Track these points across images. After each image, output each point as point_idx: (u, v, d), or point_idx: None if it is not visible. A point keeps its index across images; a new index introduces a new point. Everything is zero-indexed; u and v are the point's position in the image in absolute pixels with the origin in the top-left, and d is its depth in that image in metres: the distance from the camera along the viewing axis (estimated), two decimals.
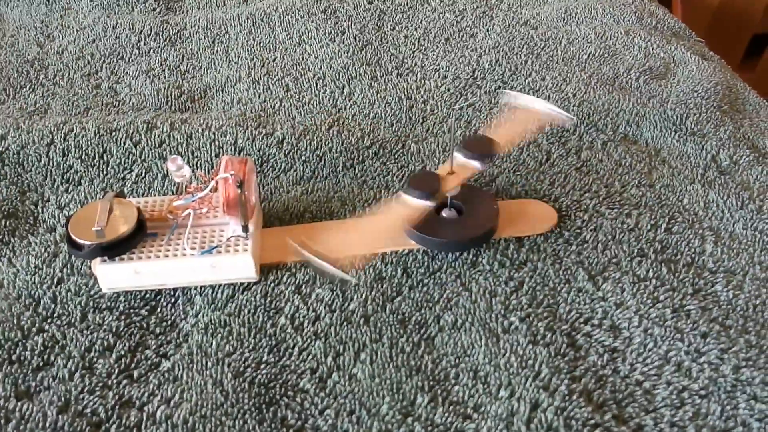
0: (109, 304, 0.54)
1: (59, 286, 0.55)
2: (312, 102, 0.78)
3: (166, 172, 0.67)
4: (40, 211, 0.63)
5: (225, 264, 0.54)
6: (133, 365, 0.50)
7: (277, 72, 0.84)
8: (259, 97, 0.79)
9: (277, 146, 0.69)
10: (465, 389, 0.48)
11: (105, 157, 0.68)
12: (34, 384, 0.49)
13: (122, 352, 0.51)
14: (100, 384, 0.49)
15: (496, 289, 0.55)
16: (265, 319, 0.53)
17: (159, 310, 0.54)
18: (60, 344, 0.51)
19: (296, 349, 0.51)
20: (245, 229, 0.54)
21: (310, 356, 0.50)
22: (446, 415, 0.47)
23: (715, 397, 0.47)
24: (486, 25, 0.93)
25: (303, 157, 0.68)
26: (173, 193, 0.64)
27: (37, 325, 0.52)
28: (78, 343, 0.51)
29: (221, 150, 0.68)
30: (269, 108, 0.77)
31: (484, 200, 0.60)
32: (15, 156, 0.67)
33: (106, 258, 0.53)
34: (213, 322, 0.53)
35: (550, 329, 0.52)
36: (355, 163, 0.68)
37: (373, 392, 0.48)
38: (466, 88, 0.80)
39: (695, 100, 0.76)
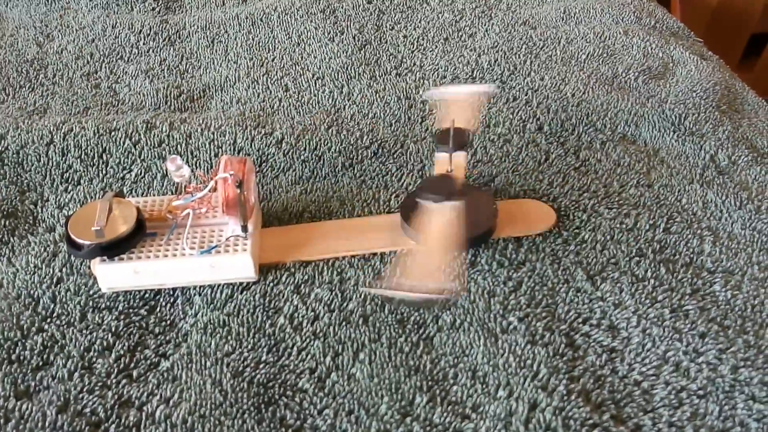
0: (108, 303, 0.54)
1: (58, 286, 0.55)
2: (311, 102, 0.78)
3: (165, 172, 0.67)
4: (39, 210, 0.63)
5: (224, 264, 0.54)
6: (132, 365, 0.50)
7: (276, 72, 0.84)
8: (258, 96, 0.79)
9: (276, 146, 0.69)
10: (463, 389, 0.48)
11: (104, 157, 0.68)
12: (33, 383, 0.49)
13: (121, 352, 0.51)
14: (100, 384, 0.49)
15: (494, 289, 0.55)
16: (264, 318, 0.53)
17: (158, 309, 0.54)
18: (59, 344, 0.51)
19: (295, 348, 0.51)
20: (244, 229, 0.54)
21: (309, 356, 0.51)
22: (445, 415, 0.47)
23: (713, 397, 0.47)
24: (485, 25, 0.93)
25: (302, 157, 0.68)
26: (172, 193, 0.64)
27: (36, 324, 0.52)
28: (77, 343, 0.51)
29: (220, 150, 0.68)
30: (268, 108, 0.77)
31: (482, 200, 0.60)
32: (14, 156, 0.67)
33: (105, 258, 0.53)
34: (212, 321, 0.53)
35: (549, 329, 0.52)
36: (354, 163, 0.68)
37: (371, 392, 0.48)
38: None
39: (694, 100, 0.76)
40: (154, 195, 0.64)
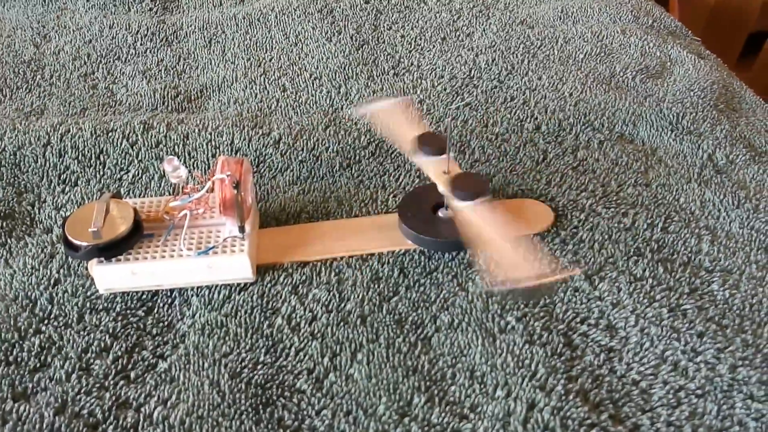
0: (105, 305, 0.54)
1: (56, 287, 0.55)
2: (309, 102, 0.78)
3: (162, 173, 0.67)
4: (36, 212, 0.63)
5: (221, 265, 0.54)
6: (129, 366, 0.50)
7: (274, 72, 0.84)
8: (255, 97, 0.79)
9: (273, 146, 0.69)
10: (462, 389, 0.48)
11: (101, 158, 0.68)
12: (30, 385, 0.49)
13: (119, 353, 0.51)
14: (97, 385, 0.49)
15: (492, 289, 0.55)
16: (262, 319, 0.53)
17: (156, 310, 0.54)
18: (57, 345, 0.51)
19: (293, 349, 0.51)
20: (242, 229, 0.54)
21: (307, 357, 0.51)
22: (443, 415, 0.47)
23: (711, 396, 0.47)
24: (482, 25, 0.93)
25: (300, 157, 0.68)
26: (170, 194, 0.63)
27: (33, 326, 0.52)
28: (75, 344, 0.51)
29: (218, 150, 0.68)
30: (266, 108, 0.77)
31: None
32: (11, 157, 0.67)
33: (102, 259, 0.53)
34: (210, 322, 0.53)
35: (547, 329, 0.52)
36: (352, 163, 0.68)
37: (369, 392, 0.48)
38: (463, 88, 0.80)
39: (692, 99, 0.76)
40: (151, 196, 0.64)
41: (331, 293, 0.55)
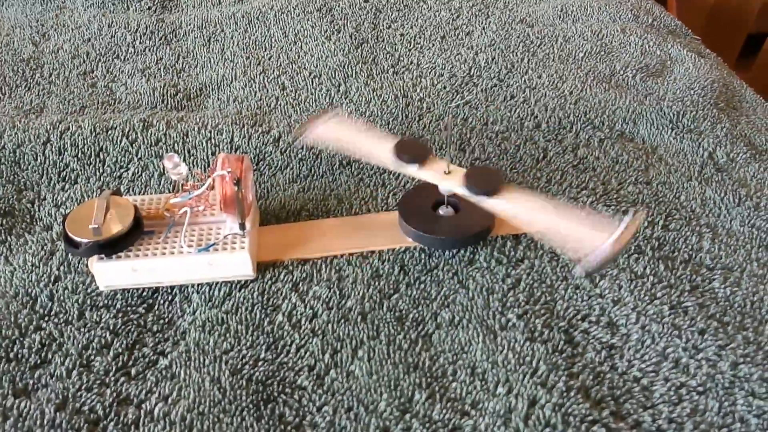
0: (106, 301, 0.54)
1: (56, 284, 0.55)
2: (308, 100, 0.78)
3: (162, 171, 0.66)
4: (36, 209, 0.63)
5: (222, 262, 0.54)
6: (130, 363, 0.50)
7: (273, 70, 0.84)
8: (255, 95, 0.79)
9: (273, 144, 0.68)
10: (463, 386, 0.48)
11: (101, 156, 0.67)
12: (31, 382, 0.48)
13: (120, 350, 0.51)
14: (98, 381, 0.48)
15: (493, 287, 0.55)
16: (263, 316, 0.53)
17: (156, 307, 0.54)
18: (57, 342, 0.51)
19: (294, 346, 0.51)
20: (242, 226, 0.54)
21: (308, 353, 0.50)
22: (444, 411, 0.47)
23: (713, 393, 0.47)
24: (482, 23, 0.93)
25: (299, 155, 0.68)
26: (170, 191, 0.63)
27: (34, 323, 0.52)
28: (75, 341, 0.51)
29: (217, 148, 0.68)
30: (265, 106, 0.77)
31: None
32: (11, 155, 0.67)
33: (103, 256, 0.53)
34: (210, 319, 0.53)
35: (548, 326, 0.52)
36: (352, 161, 0.68)
37: (370, 389, 0.48)
38: (463, 86, 0.80)
39: (692, 97, 0.76)
40: (151, 193, 0.64)
41: (332, 290, 0.55)
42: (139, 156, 0.68)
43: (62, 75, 0.83)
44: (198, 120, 0.70)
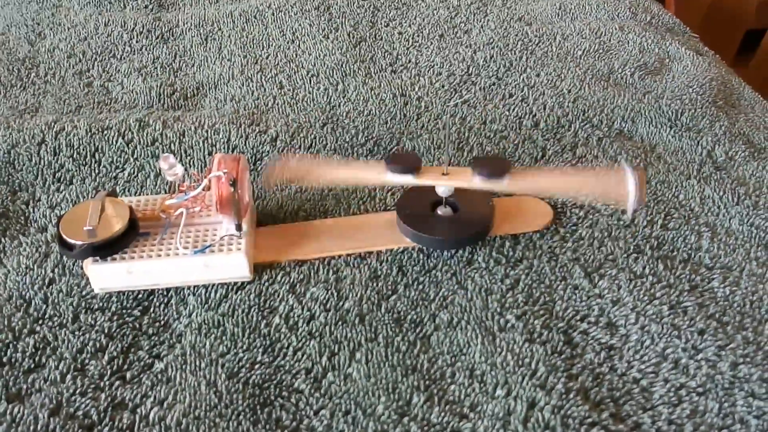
0: (101, 304, 0.54)
1: (50, 287, 0.55)
2: (306, 99, 0.78)
3: (158, 171, 0.66)
4: (31, 210, 0.63)
5: (218, 263, 0.53)
6: (125, 366, 0.50)
7: (271, 69, 0.83)
8: (252, 94, 0.79)
9: (270, 144, 0.68)
10: (461, 388, 0.48)
11: (97, 156, 0.67)
12: (25, 386, 0.48)
13: (115, 353, 0.50)
14: (92, 386, 0.48)
15: (492, 287, 0.54)
16: (259, 318, 0.53)
17: (152, 310, 0.54)
18: (51, 346, 0.51)
19: (291, 348, 0.51)
20: (238, 227, 0.54)
21: (305, 356, 0.50)
22: (442, 414, 0.46)
23: (712, 394, 0.47)
24: (480, 22, 0.93)
25: (297, 155, 0.68)
26: (166, 192, 0.63)
27: (28, 326, 0.52)
28: (70, 345, 0.51)
29: (214, 148, 0.68)
30: (262, 105, 0.77)
31: (479, 197, 0.59)
32: (6, 155, 0.67)
33: (97, 258, 0.52)
34: (206, 322, 0.52)
35: (547, 327, 0.52)
36: (349, 161, 0.68)
37: (368, 392, 0.48)
38: (461, 85, 0.79)
39: (690, 95, 0.76)
40: (147, 194, 0.64)
41: (329, 292, 0.54)
42: (135, 156, 0.67)
43: (58, 74, 0.83)
44: (195, 120, 0.70)
